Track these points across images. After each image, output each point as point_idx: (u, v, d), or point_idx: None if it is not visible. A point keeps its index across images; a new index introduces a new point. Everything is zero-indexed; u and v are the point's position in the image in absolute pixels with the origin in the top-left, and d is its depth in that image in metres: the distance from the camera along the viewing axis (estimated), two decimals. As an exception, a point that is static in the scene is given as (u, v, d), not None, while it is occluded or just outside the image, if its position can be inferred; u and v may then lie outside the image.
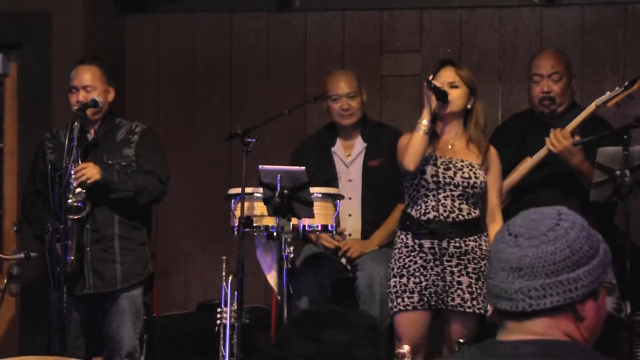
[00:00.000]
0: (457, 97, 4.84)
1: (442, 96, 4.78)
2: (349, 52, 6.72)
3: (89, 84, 5.29)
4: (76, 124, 5.04)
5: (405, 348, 4.41)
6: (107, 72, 5.38)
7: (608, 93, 5.29)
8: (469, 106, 4.88)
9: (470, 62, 6.58)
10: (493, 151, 4.95)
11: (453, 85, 4.85)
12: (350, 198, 5.64)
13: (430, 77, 4.83)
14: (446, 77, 4.87)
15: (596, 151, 5.07)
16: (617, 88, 5.30)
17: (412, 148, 4.78)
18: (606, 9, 6.50)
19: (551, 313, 1.95)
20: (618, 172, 4.95)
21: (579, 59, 6.45)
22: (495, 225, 4.85)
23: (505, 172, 5.32)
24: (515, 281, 1.96)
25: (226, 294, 5.15)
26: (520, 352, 1.93)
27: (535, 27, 6.56)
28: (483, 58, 6.60)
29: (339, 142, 5.77)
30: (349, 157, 5.73)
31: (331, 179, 5.62)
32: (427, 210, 4.79)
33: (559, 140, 5.21)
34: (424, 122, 4.77)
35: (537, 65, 5.49)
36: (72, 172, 5.06)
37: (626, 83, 5.29)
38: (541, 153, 5.34)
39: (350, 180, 5.70)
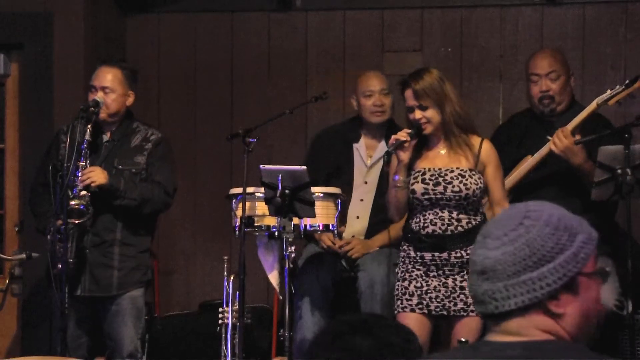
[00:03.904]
0: (430, 116, 4.74)
1: (416, 134, 4.73)
2: (350, 51, 6.72)
3: (108, 85, 5.28)
4: (88, 126, 5.05)
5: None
6: (129, 76, 5.37)
7: (609, 91, 5.29)
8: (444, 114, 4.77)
9: (471, 61, 6.59)
10: (487, 146, 4.83)
11: (421, 107, 4.74)
12: (361, 200, 5.63)
13: (390, 143, 4.73)
14: (411, 100, 4.76)
15: (597, 150, 5.07)
16: (617, 86, 5.29)
17: (393, 204, 4.81)
18: (607, 8, 6.50)
19: (520, 313, 1.93)
20: (619, 171, 4.95)
21: (580, 58, 6.46)
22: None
23: (506, 171, 5.32)
24: (482, 284, 1.95)
25: (228, 293, 5.15)
26: (506, 355, 1.91)
27: (536, 26, 6.56)
28: (484, 57, 6.59)
29: (362, 140, 5.74)
30: (370, 158, 5.71)
31: (346, 174, 5.60)
32: (426, 224, 4.75)
33: (560, 139, 5.21)
34: (401, 178, 4.74)
35: (534, 65, 5.50)
36: (79, 174, 5.06)
37: (627, 81, 5.28)
38: (542, 152, 5.34)
39: (366, 182, 5.68)
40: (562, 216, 1.95)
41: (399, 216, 4.86)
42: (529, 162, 5.41)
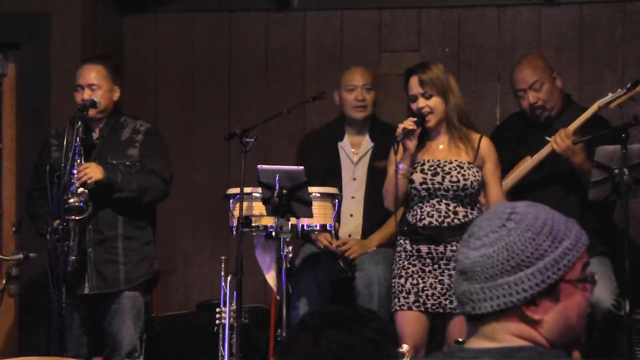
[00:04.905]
0: (434, 106, 4.78)
1: (420, 123, 4.75)
2: (348, 51, 6.72)
3: (94, 82, 5.29)
4: (79, 124, 5.05)
5: (405, 347, 4.40)
6: (113, 71, 5.39)
7: (610, 95, 5.28)
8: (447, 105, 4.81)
9: (469, 60, 6.59)
10: (485, 142, 4.86)
11: (425, 96, 4.78)
12: (353, 197, 5.63)
13: (397, 132, 4.74)
14: (416, 88, 4.81)
15: (594, 150, 5.08)
16: (619, 90, 5.28)
17: (392, 192, 4.78)
18: (605, 8, 6.50)
19: (496, 317, 1.91)
20: (617, 171, 4.95)
21: (578, 58, 6.46)
22: None
23: (505, 171, 5.32)
24: (462, 284, 1.93)
25: (225, 293, 5.14)
26: None
27: (533, 26, 6.56)
28: (481, 57, 6.59)
29: (347, 138, 5.75)
30: (356, 155, 5.72)
31: (335, 174, 5.61)
32: (423, 216, 4.76)
33: (562, 139, 5.21)
34: (404, 167, 4.74)
35: (516, 81, 5.49)
36: (75, 172, 5.06)
37: (628, 85, 5.27)
38: (543, 152, 5.34)
39: (354, 179, 5.68)
40: (548, 220, 1.92)
41: (395, 206, 4.84)
42: (529, 163, 5.41)
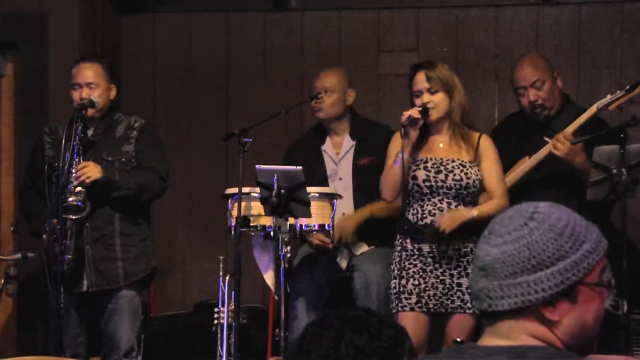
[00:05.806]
0: (438, 102, 4.84)
1: (423, 115, 4.78)
2: (346, 51, 6.72)
3: (92, 80, 5.28)
4: (78, 123, 5.05)
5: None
6: (109, 70, 5.39)
7: (609, 96, 5.27)
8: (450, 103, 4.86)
9: (467, 61, 6.59)
10: (485, 140, 4.92)
11: (431, 91, 4.84)
12: (341, 197, 5.64)
13: (403, 119, 4.79)
14: (422, 83, 4.86)
15: (592, 150, 5.08)
16: (618, 91, 5.28)
17: (390, 182, 4.81)
18: (603, 8, 6.50)
19: (513, 315, 1.90)
20: (615, 171, 4.95)
21: (576, 58, 6.46)
22: (492, 200, 4.83)
23: (503, 171, 5.32)
24: (480, 280, 1.92)
25: (223, 293, 5.15)
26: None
27: (531, 26, 6.57)
28: (479, 57, 6.60)
29: (328, 141, 5.78)
30: (338, 155, 5.74)
31: (322, 178, 5.62)
32: (424, 215, 4.78)
33: (562, 142, 5.20)
34: (405, 156, 4.76)
35: (517, 79, 5.49)
36: (73, 171, 5.06)
37: (628, 87, 5.27)
38: (542, 153, 5.34)
39: (340, 178, 5.70)
40: (570, 222, 1.91)
41: (392, 196, 4.88)
42: (527, 164, 5.41)
